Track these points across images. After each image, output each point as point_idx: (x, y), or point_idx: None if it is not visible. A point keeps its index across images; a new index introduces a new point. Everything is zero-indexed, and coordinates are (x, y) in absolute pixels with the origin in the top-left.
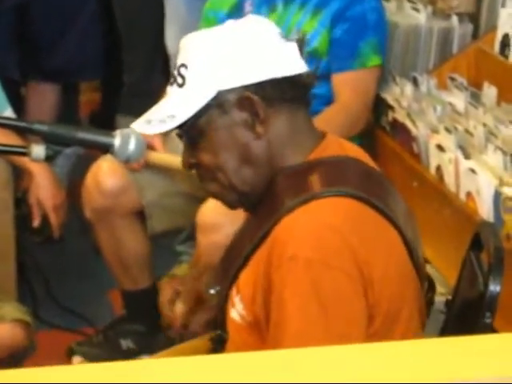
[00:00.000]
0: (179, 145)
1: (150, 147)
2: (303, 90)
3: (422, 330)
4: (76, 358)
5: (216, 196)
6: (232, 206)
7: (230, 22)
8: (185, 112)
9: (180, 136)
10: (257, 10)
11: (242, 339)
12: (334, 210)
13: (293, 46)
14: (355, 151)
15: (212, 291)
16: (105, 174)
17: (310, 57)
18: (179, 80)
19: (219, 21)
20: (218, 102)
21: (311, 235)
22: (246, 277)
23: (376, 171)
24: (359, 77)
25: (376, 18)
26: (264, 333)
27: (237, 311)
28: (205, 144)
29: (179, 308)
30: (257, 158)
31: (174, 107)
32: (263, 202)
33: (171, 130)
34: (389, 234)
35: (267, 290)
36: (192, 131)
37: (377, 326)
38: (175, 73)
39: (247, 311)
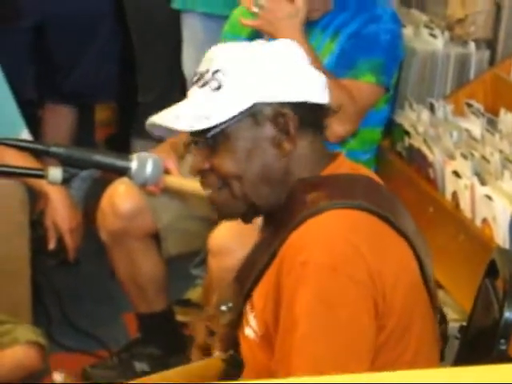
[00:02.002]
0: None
1: (165, 171)
2: (325, 117)
3: (439, 354)
4: (56, 375)
5: (220, 205)
6: (233, 216)
7: (263, 42)
8: (220, 115)
9: (192, 142)
10: None
11: (256, 357)
12: (345, 220)
13: (322, 76)
14: (366, 172)
15: (223, 308)
16: (120, 196)
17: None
18: (214, 84)
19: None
20: (253, 113)
21: (323, 243)
22: (259, 292)
23: (387, 190)
24: (350, 84)
25: (389, 40)
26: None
27: (251, 329)
28: (227, 150)
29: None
30: (275, 175)
31: (208, 109)
32: (277, 218)
33: (196, 133)
34: (399, 246)
35: (278, 297)
36: (218, 136)
37: (385, 337)
38: (206, 77)
39: (260, 326)
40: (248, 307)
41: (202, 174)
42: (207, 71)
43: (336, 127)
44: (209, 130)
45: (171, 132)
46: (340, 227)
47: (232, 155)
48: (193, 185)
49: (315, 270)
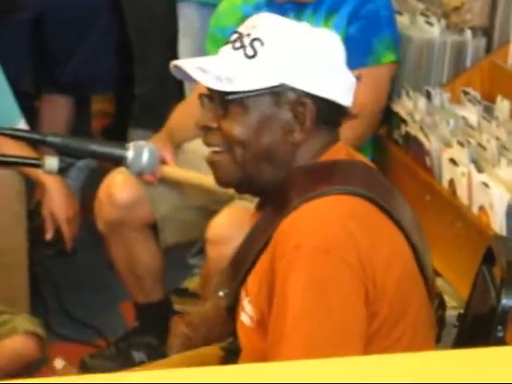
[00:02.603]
0: (192, 159)
1: (162, 161)
2: (343, 119)
3: (434, 341)
4: (57, 362)
5: (217, 167)
6: (228, 181)
7: (309, 27)
8: (245, 83)
9: (208, 96)
10: None
11: (252, 343)
12: (339, 205)
13: (353, 79)
14: (362, 159)
15: (221, 294)
16: (117, 186)
17: None
18: (249, 51)
19: (227, 37)
20: (276, 92)
21: (316, 226)
22: (253, 277)
23: (383, 177)
24: (373, 74)
25: (389, 15)
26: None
27: (246, 314)
28: (239, 118)
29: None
30: (278, 157)
31: (235, 72)
32: (272, 203)
33: (215, 90)
34: (393, 235)
35: (272, 281)
36: (235, 101)
37: (378, 326)
38: (245, 40)
39: (255, 311)
40: (243, 293)
41: (206, 130)
42: (248, 35)
43: (369, 129)
44: (229, 93)
45: (190, 79)
46: (334, 212)
47: (242, 124)
48: (190, 175)
49: (308, 253)
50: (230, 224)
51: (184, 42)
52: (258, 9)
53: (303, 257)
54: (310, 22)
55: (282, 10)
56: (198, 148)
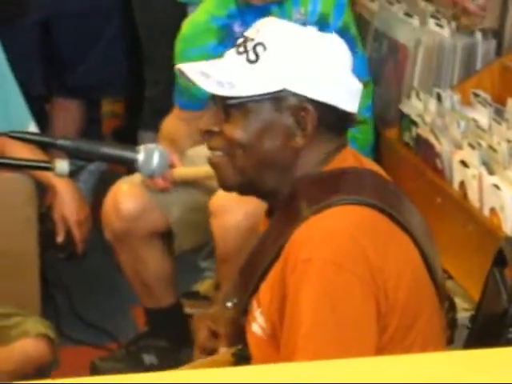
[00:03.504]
0: (196, 162)
1: (171, 165)
2: (349, 126)
3: (445, 344)
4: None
5: (219, 170)
6: (230, 184)
7: (315, 31)
8: (246, 88)
9: (212, 100)
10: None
11: (263, 353)
12: (348, 216)
13: (359, 86)
14: (371, 165)
15: (229, 304)
16: (123, 196)
17: (318, 24)
18: (251, 55)
19: (210, 52)
20: (278, 97)
21: (325, 239)
22: (265, 288)
23: (392, 184)
24: None
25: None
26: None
27: (258, 325)
28: (241, 123)
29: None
30: (279, 163)
31: (237, 77)
32: (282, 212)
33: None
34: (403, 243)
35: (283, 295)
36: (236, 106)
37: (390, 336)
38: (248, 45)
39: (267, 322)
40: (254, 303)
41: (209, 134)
42: (252, 40)
43: None
44: (230, 97)
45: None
46: (343, 223)
47: (244, 128)
48: (200, 170)
49: (318, 267)
50: (231, 195)
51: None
52: (231, 17)
53: (314, 270)
54: (289, 10)
55: (263, 10)
56: (199, 151)
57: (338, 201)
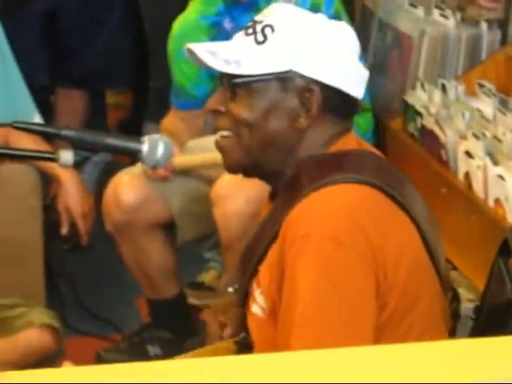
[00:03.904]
0: (194, 151)
1: None
2: (354, 112)
3: (447, 333)
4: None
5: (225, 150)
6: (236, 165)
7: (325, 18)
8: (253, 67)
9: (220, 81)
10: (239, 23)
11: (264, 334)
12: (349, 194)
13: (366, 73)
14: (372, 149)
15: (230, 289)
16: (123, 188)
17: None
18: (259, 37)
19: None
20: (284, 78)
21: (324, 215)
22: (264, 268)
23: (395, 168)
24: None
25: None
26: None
27: (258, 305)
28: (246, 102)
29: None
30: (284, 143)
31: (244, 56)
32: (284, 194)
33: (225, 74)
34: (404, 224)
35: (282, 270)
36: (243, 85)
37: (388, 316)
38: (257, 27)
39: (267, 301)
40: (254, 284)
41: (215, 114)
42: (260, 22)
43: None
44: (237, 76)
45: (202, 63)
46: (343, 201)
47: (250, 107)
48: (200, 157)
49: (317, 242)
50: (231, 182)
51: None
52: (220, 15)
53: (313, 246)
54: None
55: (253, 6)
56: (199, 143)
57: (340, 179)
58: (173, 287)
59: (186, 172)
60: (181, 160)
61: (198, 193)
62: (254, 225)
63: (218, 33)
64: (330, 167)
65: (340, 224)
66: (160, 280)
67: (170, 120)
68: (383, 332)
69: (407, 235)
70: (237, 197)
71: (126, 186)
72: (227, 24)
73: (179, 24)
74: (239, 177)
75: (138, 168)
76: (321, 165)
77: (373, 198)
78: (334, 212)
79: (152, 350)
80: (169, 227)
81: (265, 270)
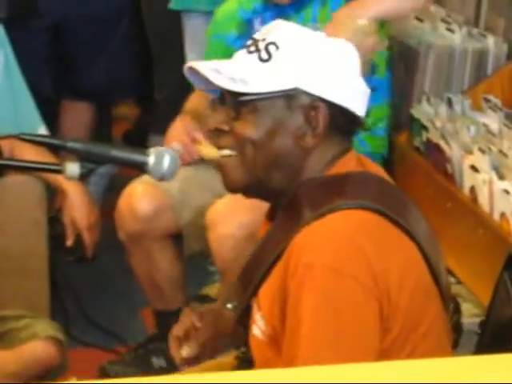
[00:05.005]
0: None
1: (193, 140)
2: (357, 129)
3: (450, 348)
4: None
5: (227, 169)
6: (237, 184)
7: (324, 36)
8: (258, 85)
9: (220, 100)
10: None
11: (264, 356)
12: (350, 220)
13: (367, 90)
14: (375, 168)
15: (229, 306)
16: (138, 197)
17: None
18: (264, 54)
19: (230, 43)
20: (289, 96)
21: (326, 243)
22: (265, 292)
23: (395, 187)
24: None
25: None
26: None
27: (258, 328)
28: (251, 121)
29: (185, 352)
30: (288, 163)
31: (249, 74)
32: (284, 215)
33: (228, 92)
34: (406, 247)
35: (284, 299)
36: (248, 104)
37: (392, 339)
38: (260, 45)
39: (267, 326)
40: (255, 306)
41: (217, 133)
42: (263, 40)
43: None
44: (242, 94)
45: (202, 83)
46: (344, 228)
47: (255, 126)
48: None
49: (319, 273)
50: (225, 207)
51: (193, 51)
52: (255, 13)
53: (315, 276)
54: (308, 15)
55: (281, 11)
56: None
57: (341, 205)
58: (180, 299)
59: (210, 162)
60: (207, 150)
61: (208, 207)
62: (248, 248)
63: (247, 30)
64: (332, 191)
65: (342, 253)
66: (168, 290)
67: (194, 99)
68: (388, 354)
69: (409, 257)
70: (230, 221)
71: (141, 196)
72: (257, 25)
73: (221, 11)
74: (233, 202)
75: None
76: (321, 188)
77: (374, 224)
78: (336, 240)
79: (157, 361)
80: (177, 238)
81: (266, 293)
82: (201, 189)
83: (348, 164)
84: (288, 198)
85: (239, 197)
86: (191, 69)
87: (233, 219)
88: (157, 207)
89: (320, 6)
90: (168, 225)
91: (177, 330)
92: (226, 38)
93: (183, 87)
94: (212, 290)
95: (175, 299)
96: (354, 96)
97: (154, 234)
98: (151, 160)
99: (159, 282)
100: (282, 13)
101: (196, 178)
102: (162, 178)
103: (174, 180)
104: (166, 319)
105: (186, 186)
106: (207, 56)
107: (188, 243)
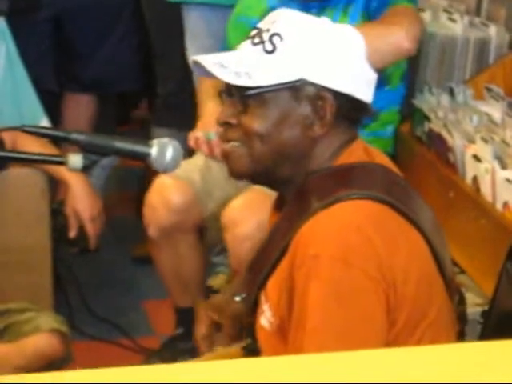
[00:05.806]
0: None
1: None
2: (364, 116)
3: (455, 338)
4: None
5: (234, 159)
6: (243, 173)
7: (329, 22)
8: (264, 78)
9: (227, 92)
10: None
11: (272, 347)
12: (357, 211)
13: (374, 75)
14: (381, 158)
15: (237, 298)
16: (170, 190)
17: None
18: (268, 46)
19: (251, 26)
20: (295, 87)
21: (334, 235)
22: (273, 283)
23: (401, 178)
24: (395, 7)
25: None
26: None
27: (266, 318)
28: (259, 113)
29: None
30: (296, 153)
31: (254, 68)
32: (291, 206)
33: (234, 86)
34: (412, 237)
35: (291, 289)
36: (254, 97)
37: (398, 331)
38: (264, 36)
39: (275, 317)
40: (263, 297)
41: (225, 126)
42: (267, 30)
43: (406, 44)
44: (248, 88)
45: (209, 75)
46: (352, 218)
47: (262, 119)
48: None
49: (326, 264)
50: (243, 206)
51: (193, 44)
52: (281, 2)
53: (322, 267)
54: (330, 16)
55: (305, 7)
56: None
57: (347, 195)
58: (202, 294)
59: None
60: None
61: (230, 198)
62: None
63: None
64: (338, 182)
65: (349, 244)
66: (193, 286)
67: (209, 82)
68: (395, 345)
69: (415, 248)
70: (248, 221)
71: (173, 188)
72: None
73: None
74: (250, 201)
75: (178, 171)
76: (328, 179)
77: (380, 214)
78: (343, 231)
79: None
80: (201, 233)
81: (273, 285)
82: (224, 181)
83: (355, 153)
84: (295, 187)
85: (256, 196)
86: (196, 62)
87: (250, 220)
88: (188, 198)
89: (342, 12)
90: (196, 217)
91: (200, 330)
92: (249, 21)
93: (186, 81)
94: (215, 281)
95: (199, 294)
96: (361, 83)
97: (186, 225)
98: (154, 151)
99: (185, 277)
100: (305, 8)
101: (219, 171)
102: (164, 170)
103: (196, 172)
104: (191, 316)
105: (209, 177)
106: (228, 35)
107: (210, 235)
